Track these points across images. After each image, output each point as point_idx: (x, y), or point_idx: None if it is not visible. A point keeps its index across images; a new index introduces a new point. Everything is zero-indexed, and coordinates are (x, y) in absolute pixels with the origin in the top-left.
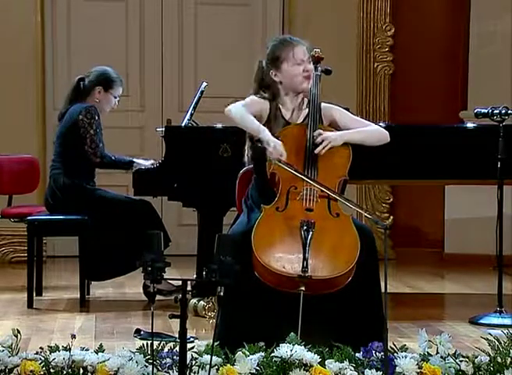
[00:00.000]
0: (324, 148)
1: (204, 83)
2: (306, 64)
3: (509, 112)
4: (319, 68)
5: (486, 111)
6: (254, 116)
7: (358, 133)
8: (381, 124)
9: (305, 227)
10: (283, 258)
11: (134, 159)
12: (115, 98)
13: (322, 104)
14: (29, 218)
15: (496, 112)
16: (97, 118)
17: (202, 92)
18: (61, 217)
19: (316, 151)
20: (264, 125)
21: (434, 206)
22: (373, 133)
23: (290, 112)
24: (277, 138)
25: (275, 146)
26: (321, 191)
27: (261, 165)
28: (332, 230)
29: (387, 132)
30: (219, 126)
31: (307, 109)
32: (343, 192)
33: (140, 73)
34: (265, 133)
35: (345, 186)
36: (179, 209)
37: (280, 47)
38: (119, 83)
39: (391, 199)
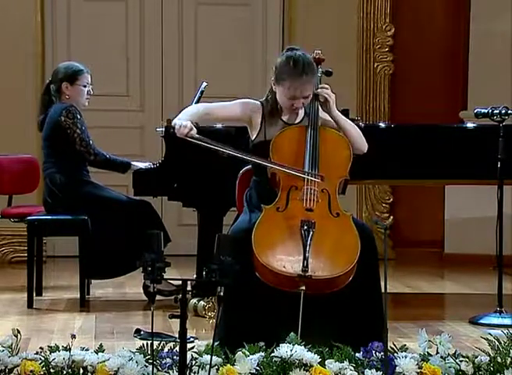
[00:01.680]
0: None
1: (204, 83)
2: (298, 101)
3: (509, 112)
4: (320, 69)
5: (486, 111)
6: (239, 119)
7: (349, 124)
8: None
9: (305, 227)
10: (283, 258)
11: (132, 162)
12: (85, 86)
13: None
14: (29, 218)
15: (496, 112)
16: (79, 117)
17: (202, 92)
18: (61, 217)
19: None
20: (260, 126)
21: (434, 206)
22: (358, 135)
23: (288, 114)
24: (276, 139)
25: (184, 124)
26: (322, 190)
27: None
28: (332, 229)
29: (367, 146)
30: (219, 126)
31: (303, 110)
32: (344, 192)
33: (140, 73)
34: (175, 120)
35: (346, 186)
36: (179, 209)
37: (289, 72)
38: (82, 72)
39: (391, 199)
